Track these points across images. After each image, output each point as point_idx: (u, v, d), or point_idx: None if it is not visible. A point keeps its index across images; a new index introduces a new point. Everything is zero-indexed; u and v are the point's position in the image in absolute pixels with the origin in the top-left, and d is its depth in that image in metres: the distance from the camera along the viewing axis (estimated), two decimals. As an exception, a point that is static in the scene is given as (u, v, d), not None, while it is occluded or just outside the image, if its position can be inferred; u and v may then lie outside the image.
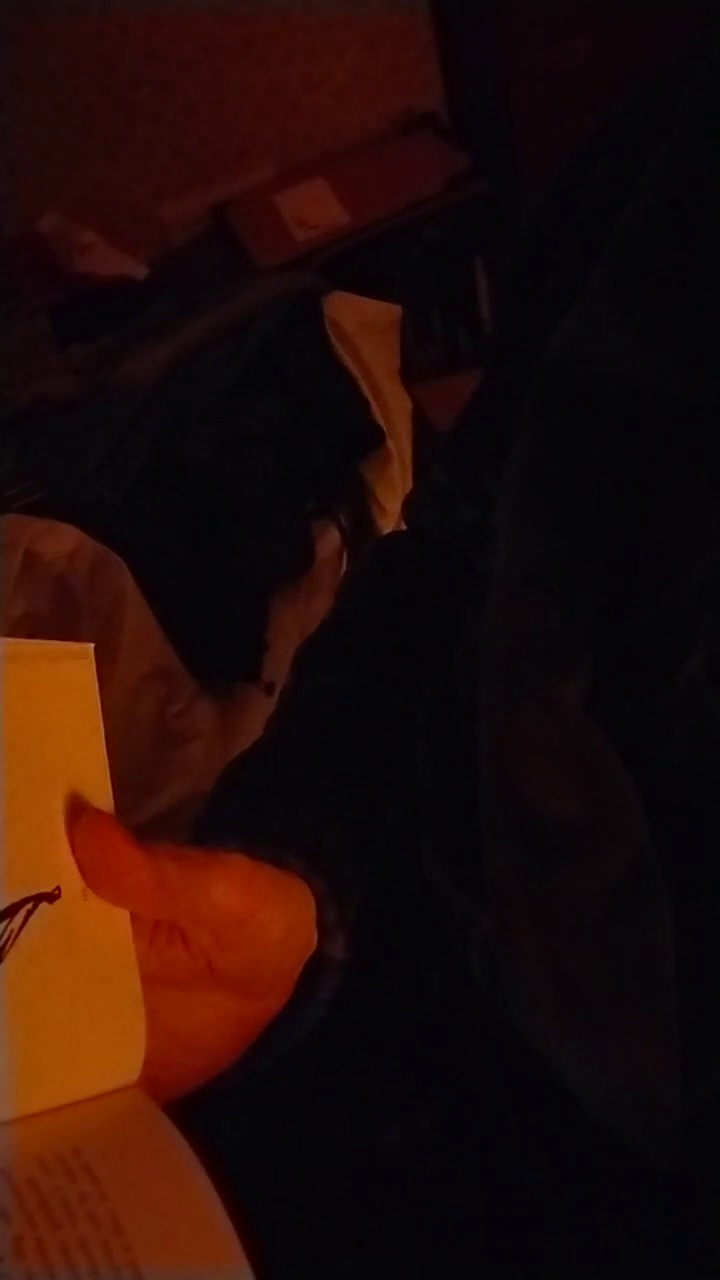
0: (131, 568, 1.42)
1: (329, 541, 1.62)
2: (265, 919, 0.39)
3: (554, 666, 0.43)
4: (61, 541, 1.40)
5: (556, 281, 0.52)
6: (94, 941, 0.36)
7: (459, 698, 0.54)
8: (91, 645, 0.36)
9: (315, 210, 2.05)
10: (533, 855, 0.43)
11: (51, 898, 0.35)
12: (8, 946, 0.34)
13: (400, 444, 1.70)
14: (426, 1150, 0.48)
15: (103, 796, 0.37)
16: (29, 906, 0.34)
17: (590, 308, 0.47)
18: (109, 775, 0.37)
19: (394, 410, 1.70)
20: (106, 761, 0.37)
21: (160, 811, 1.47)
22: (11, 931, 0.34)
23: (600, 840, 0.41)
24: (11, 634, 1.37)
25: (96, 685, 0.36)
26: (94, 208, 2.09)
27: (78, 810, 0.36)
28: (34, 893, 0.34)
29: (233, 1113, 0.50)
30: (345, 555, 1.63)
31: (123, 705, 1.42)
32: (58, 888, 0.35)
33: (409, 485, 1.69)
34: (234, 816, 0.48)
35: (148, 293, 1.91)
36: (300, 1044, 0.45)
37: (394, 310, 1.72)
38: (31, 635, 1.38)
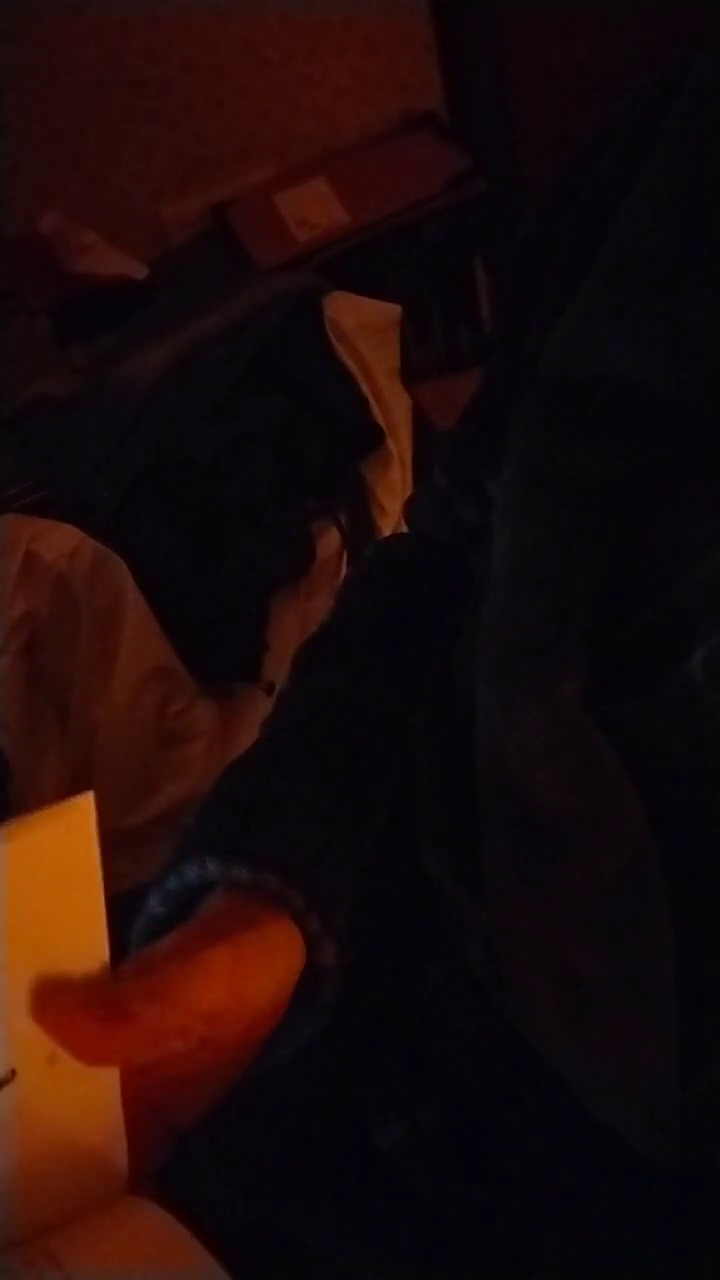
0: (131, 568, 1.42)
1: (329, 541, 1.62)
2: (255, 991, 0.40)
3: (551, 664, 0.43)
4: (61, 541, 1.40)
5: (556, 283, 0.52)
6: (66, 1096, 0.36)
7: (458, 696, 0.54)
8: (91, 794, 0.35)
9: (315, 210, 2.05)
10: (531, 852, 0.43)
11: (3, 1083, 0.35)
12: None
13: (400, 444, 1.70)
14: (427, 1147, 0.48)
15: (97, 947, 0.36)
16: None
17: (587, 307, 0.47)
18: (105, 924, 0.36)
19: (394, 410, 1.70)
20: (104, 911, 0.36)
21: (160, 811, 1.47)
22: None
23: (598, 837, 0.41)
24: (11, 634, 1.37)
25: (96, 835, 0.35)
26: (94, 208, 2.09)
27: (46, 992, 0.35)
28: None
29: (233, 1112, 0.50)
30: (345, 555, 1.63)
31: (123, 705, 1.42)
32: (12, 1071, 0.35)
33: (409, 485, 1.69)
34: (214, 835, 0.48)
35: (148, 293, 1.91)
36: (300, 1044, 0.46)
37: (394, 310, 1.72)
38: (31, 636, 1.38)
